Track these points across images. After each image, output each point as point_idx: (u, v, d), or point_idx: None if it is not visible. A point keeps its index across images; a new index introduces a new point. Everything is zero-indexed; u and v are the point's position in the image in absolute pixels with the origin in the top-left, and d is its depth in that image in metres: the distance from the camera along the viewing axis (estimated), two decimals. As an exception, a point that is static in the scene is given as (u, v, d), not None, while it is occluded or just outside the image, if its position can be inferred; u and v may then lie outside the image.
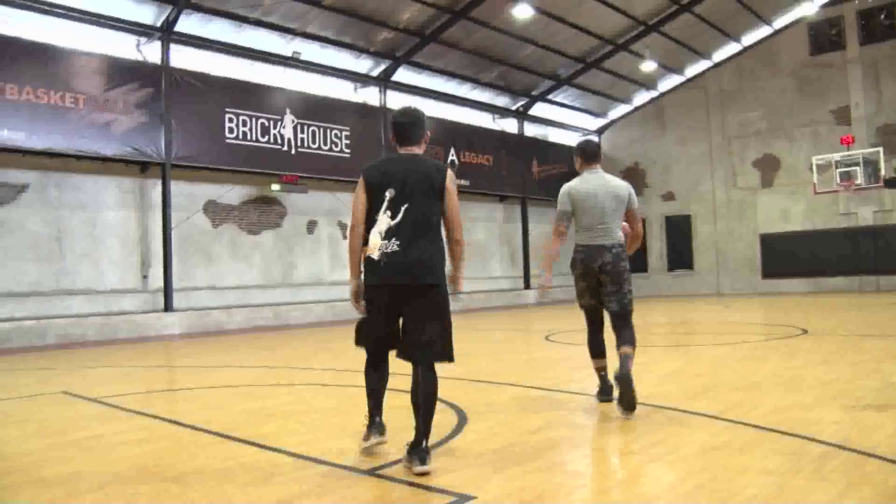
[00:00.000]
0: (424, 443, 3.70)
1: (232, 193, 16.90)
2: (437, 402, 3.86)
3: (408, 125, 4.08)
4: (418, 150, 4.07)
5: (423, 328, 3.81)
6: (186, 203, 16.00)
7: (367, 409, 4.08)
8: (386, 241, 3.84)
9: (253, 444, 4.42)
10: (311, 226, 18.50)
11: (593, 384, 5.59)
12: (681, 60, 23.57)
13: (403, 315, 3.91)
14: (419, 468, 3.61)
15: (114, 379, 8.16)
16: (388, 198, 3.88)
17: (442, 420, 4.73)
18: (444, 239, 3.98)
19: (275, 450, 4.24)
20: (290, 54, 17.04)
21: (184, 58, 15.34)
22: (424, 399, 3.75)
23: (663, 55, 22.25)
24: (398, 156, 4.07)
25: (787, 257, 22.71)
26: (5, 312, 13.30)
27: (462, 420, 4.96)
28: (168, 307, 14.79)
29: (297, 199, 17.95)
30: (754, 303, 18.69)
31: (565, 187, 5.46)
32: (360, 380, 4.15)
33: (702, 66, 24.18)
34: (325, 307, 17.24)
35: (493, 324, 15.19)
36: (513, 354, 9.77)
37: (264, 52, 16.67)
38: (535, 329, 13.77)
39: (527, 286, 23.50)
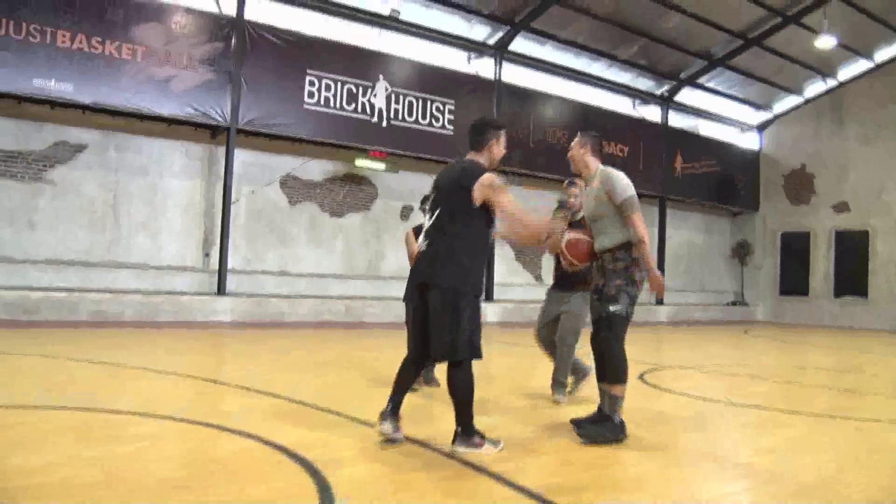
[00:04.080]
0: (458, 428, 4.11)
1: (314, 168, 14.98)
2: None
3: (469, 131, 4.44)
4: (476, 157, 4.35)
5: (435, 328, 4.13)
6: (261, 175, 14.28)
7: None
8: (422, 240, 4.32)
9: None
10: (406, 211, 16.28)
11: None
12: (869, 40, 19.23)
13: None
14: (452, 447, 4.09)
15: (14, 376, 6.18)
16: (431, 197, 4.43)
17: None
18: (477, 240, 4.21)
19: None
20: (387, 13, 14.84)
21: (261, 10, 13.51)
22: (449, 392, 4.15)
23: (846, 32, 18.10)
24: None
25: None
26: (46, 281, 12.02)
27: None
28: (221, 290, 13.02)
29: (389, 179, 15.78)
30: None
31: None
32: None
33: (897, 48, 19.74)
34: (408, 305, 14.85)
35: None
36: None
37: (356, 9, 14.53)
38: (645, 360, 10.45)
39: (659, 302, 20.04)
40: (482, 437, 4.12)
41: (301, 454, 3.89)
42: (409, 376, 4.36)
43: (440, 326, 4.08)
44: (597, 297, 4.74)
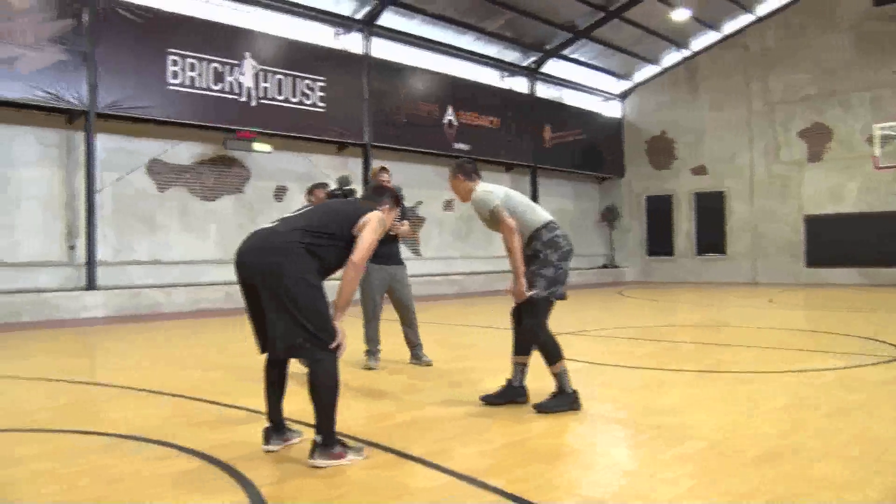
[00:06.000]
0: (317, 438, 3.66)
1: (181, 151, 14.31)
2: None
3: (371, 189, 4.50)
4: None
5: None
6: (125, 161, 13.48)
7: None
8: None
9: None
10: (280, 192, 15.89)
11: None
12: (718, 14, 20.46)
13: None
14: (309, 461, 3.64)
15: None
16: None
17: None
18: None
19: None
20: (250, -13, 14.32)
21: (115, -16, 12.69)
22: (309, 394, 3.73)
23: (698, 7, 19.18)
24: None
25: (837, 243, 19.63)
26: None
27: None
28: (91, 284, 12.28)
29: (262, 160, 15.32)
30: (801, 296, 15.82)
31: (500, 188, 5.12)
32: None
33: (742, 20, 21.02)
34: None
35: (468, 316, 12.49)
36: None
37: (219, -17, 13.98)
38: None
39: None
40: (344, 446, 3.70)
41: (219, 458, 3.73)
42: (276, 381, 3.99)
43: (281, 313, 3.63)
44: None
